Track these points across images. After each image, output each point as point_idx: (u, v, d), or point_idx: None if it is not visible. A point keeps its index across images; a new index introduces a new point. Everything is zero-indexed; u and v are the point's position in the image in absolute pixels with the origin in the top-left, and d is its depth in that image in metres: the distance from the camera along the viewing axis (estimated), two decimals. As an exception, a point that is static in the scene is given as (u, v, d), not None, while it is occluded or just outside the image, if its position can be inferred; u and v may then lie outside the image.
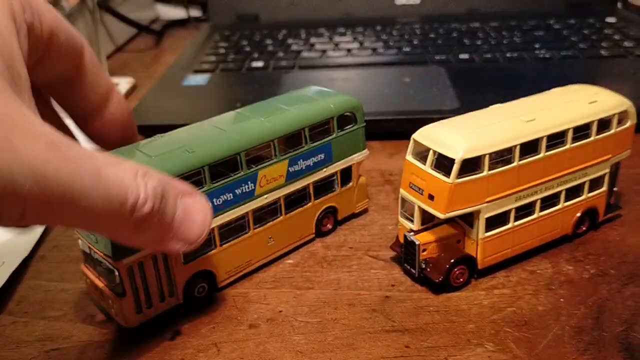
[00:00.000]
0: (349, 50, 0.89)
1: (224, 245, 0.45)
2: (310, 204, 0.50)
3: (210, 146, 0.43)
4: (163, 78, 0.84)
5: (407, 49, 0.88)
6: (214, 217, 0.43)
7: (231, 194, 0.44)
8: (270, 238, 0.48)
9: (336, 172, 0.50)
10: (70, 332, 0.42)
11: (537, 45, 0.86)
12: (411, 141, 0.44)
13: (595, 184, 0.48)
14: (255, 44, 0.95)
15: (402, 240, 0.46)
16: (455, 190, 0.41)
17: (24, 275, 0.49)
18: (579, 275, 0.45)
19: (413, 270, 0.45)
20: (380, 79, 0.78)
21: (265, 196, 0.46)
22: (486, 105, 0.66)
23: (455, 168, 0.40)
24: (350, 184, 0.52)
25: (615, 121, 0.47)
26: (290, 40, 0.95)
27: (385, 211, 0.55)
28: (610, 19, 0.98)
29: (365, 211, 0.55)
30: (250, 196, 0.46)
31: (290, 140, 0.47)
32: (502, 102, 0.47)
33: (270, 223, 0.48)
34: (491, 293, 0.44)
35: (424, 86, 0.75)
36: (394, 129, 0.67)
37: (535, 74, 0.78)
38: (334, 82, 0.79)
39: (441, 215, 0.42)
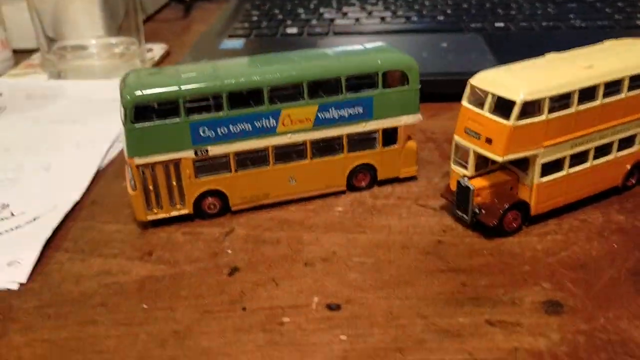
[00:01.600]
0: (382, 18, 0.89)
1: (239, 172, 0.47)
2: (342, 155, 0.50)
3: (235, 75, 0.45)
4: (198, 43, 0.84)
5: (441, 18, 0.88)
6: (231, 143, 0.46)
7: (249, 125, 0.46)
8: (292, 178, 0.48)
9: (378, 130, 0.50)
10: (129, 268, 0.43)
11: (571, 16, 0.86)
12: (467, 86, 0.44)
13: (646, 136, 0.48)
14: (287, 13, 0.95)
15: (453, 187, 0.47)
16: (514, 132, 0.41)
17: (77, 218, 0.49)
18: (631, 224, 0.45)
19: (465, 217, 0.45)
20: (418, 45, 0.78)
21: (288, 135, 0.47)
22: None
23: (516, 110, 0.40)
24: (395, 145, 0.51)
25: (669, 73, 0.47)
26: (322, 9, 0.95)
27: (430, 166, 0.55)
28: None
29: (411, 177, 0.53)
30: (271, 132, 0.47)
31: (326, 87, 0.47)
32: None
33: (294, 163, 0.48)
34: (544, 239, 0.44)
35: (462, 51, 0.74)
36: (434, 91, 0.67)
37: (573, 42, 0.78)
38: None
39: (499, 159, 0.42)
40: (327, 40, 0.81)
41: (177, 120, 0.44)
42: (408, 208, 0.49)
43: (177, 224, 0.48)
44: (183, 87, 0.44)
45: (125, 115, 0.43)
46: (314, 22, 0.89)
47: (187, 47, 0.89)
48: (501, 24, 0.83)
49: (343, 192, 0.51)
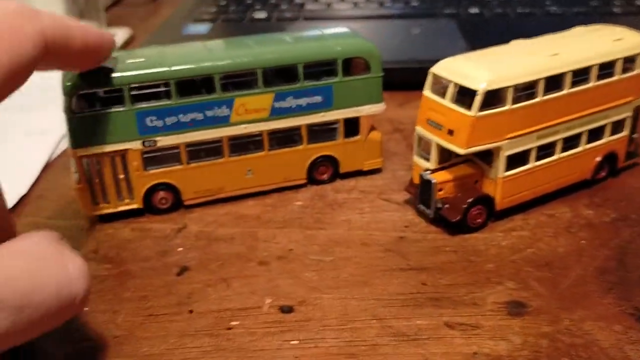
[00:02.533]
0: (355, 3, 0.86)
1: (191, 164, 0.45)
2: (301, 146, 0.47)
3: (183, 61, 0.42)
4: (162, 27, 0.81)
5: (415, 3, 0.86)
6: (181, 133, 0.43)
7: (201, 114, 0.44)
8: (250, 170, 0.46)
9: (338, 120, 0.47)
10: (71, 267, 0.40)
11: (547, 2, 0.84)
12: (429, 75, 0.42)
13: (616, 127, 0.46)
14: (257, -3, 0.92)
15: (416, 180, 0.45)
16: (477, 123, 0.39)
17: (21, 213, 0.46)
18: (599, 219, 0.44)
19: (428, 211, 0.43)
20: (389, 31, 0.75)
21: (243, 126, 0.45)
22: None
23: (478, 100, 0.38)
24: (358, 136, 0.48)
25: (639, 61, 0.45)
26: (293, -6, 0.92)
27: (396, 157, 0.53)
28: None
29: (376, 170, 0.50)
30: (224, 122, 0.44)
31: (283, 75, 0.45)
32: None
33: (250, 155, 0.46)
34: (509, 235, 0.42)
35: (433, 38, 0.72)
36: (403, 79, 0.65)
37: (548, 29, 0.76)
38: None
39: (461, 151, 0.40)
40: (297, 25, 0.78)
41: (122, 108, 0.42)
42: (371, 202, 0.47)
43: (127, 219, 0.45)
44: (128, 73, 0.41)
45: (67, 103, 0.40)
46: (283, 6, 0.86)
47: (150, 31, 0.86)
48: (476, 10, 0.81)
49: (304, 185, 0.49)
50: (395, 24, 0.78)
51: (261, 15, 0.82)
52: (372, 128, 0.49)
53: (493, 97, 0.39)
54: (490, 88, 0.38)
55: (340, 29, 0.49)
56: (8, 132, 0.58)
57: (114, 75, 0.41)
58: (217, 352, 0.33)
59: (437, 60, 0.66)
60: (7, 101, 0.64)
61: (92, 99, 0.41)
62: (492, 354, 0.33)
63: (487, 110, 0.39)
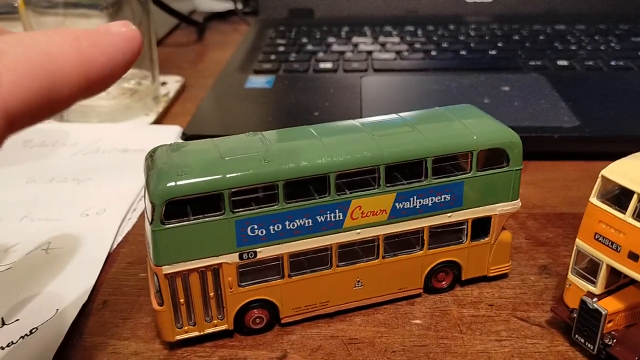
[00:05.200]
0: (426, 51, 0.79)
1: (293, 277, 0.37)
2: (421, 252, 0.39)
3: (292, 158, 0.34)
4: (220, 78, 0.73)
5: (493, 52, 0.78)
6: (285, 243, 0.36)
7: (310, 220, 0.36)
8: (359, 281, 0.38)
9: (466, 221, 0.40)
10: (155, 419, 0.32)
11: (640, 53, 0.76)
12: (599, 179, 0.34)
13: None
14: (316, 42, 0.85)
15: (568, 302, 0.37)
16: (673, 250, 0.31)
17: (84, 329, 0.39)
18: None
19: (590, 346, 0.35)
20: (475, 87, 0.68)
21: (357, 231, 0.37)
22: (611, 124, 0.57)
23: (678, 222, 0.30)
24: (487, 239, 0.41)
25: None
26: (356, 39, 0.85)
27: (519, 255, 0.45)
28: None
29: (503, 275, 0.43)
30: (336, 227, 0.37)
31: (406, 170, 0.37)
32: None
33: (361, 264, 0.38)
34: (694, 379, 0.34)
35: (528, 97, 0.64)
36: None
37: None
38: (419, 88, 0.69)
39: (650, 283, 0.32)
40: (368, 79, 0.71)
41: (220, 217, 0.34)
42: (506, 322, 0.38)
43: (212, 342, 0.37)
44: (229, 175, 0.33)
45: (154, 213, 0.33)
46: (348, 54, 0.79)
47: (205, 79, 0.79)
48: (564, 63, 0.73)
49: (419, 295, 0.41)
50: (478, 79, 0.70)
51: (327, 65, 0.75)
52: (502, 228, 0.41)
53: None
54: (693, 207, 0.30)
55: (466, 107, 0.41)
56: (62, 211, 0.51)
57: (214, 177, 0.33)
58: None
59: (542, 128, 0.58)
60: (62, 171, 0.57)
61: (184, 205, 0.34)
62: None
63: (684, 232, 0.31)
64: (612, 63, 0.73)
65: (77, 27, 0.26)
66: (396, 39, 0.84)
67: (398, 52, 0.79)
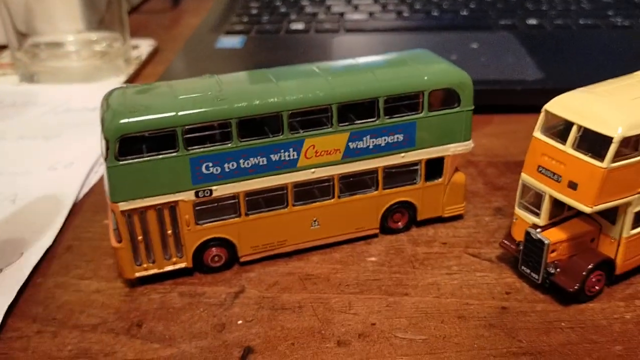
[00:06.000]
0: (399, 12, 0.79)
1: (250, 216, 0.38)
2: (376, 192, 0.40)
3: (246, 97, 0.35)
4: (191, 40, 0.74)
5: (465, 12, 0.78)
6: (240, 181, 0.36)
7: (265, 159, 0.37)
8: (315, 221, 0.40)
9: (420, 161, 0.40)
10: (113, 347, 0.33)
11: (610, 12, 0.77)
12: (542, 113, 0.35)
13: None
14: (290, 4, 0.84)
15: (516, 235, 0.38)
16: (609, 177, 0.32)
17: (47, 271, 0.40)
18: None
19: (535, 275, 0.36)
20: (444, 44, 0.68)
21: (312, 170, 0.38)
22: (573, 78, 0.57)
23: (613, 149, 0.31)
24: (440, 179, 0.42)
25: None
26: (329, 1, 0.85)
27: (476, 199, 0.46)
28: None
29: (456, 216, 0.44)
30: (291, 166, 0.38)
31: (359, 110, 0.38)
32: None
33: (317, 203, 0.39)
34: (632, 304, 0.35)
35: (496, 53, 0.65)
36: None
37: (617, 44, 0.69)
38: (389, 47, 0.69)
39: (587, 209, 0.33)
40: (339, 39, 0.71)
41: (174, 154, 0.35)
42: (457, 258, 0.40)
43: (172, 280, 0.38)
44: (181, 113, 0.34)
45: (109, 148, 0.33)
46: (321, 16, 0.79)
47: (178, 43, 0.79)
48: (534, 21, 0.74)
49: (375, 236, 0.42)
50: (448, 37, 0.70)
51: (299, 26, 0.75)
52: (455, 169, 0.42)
53: (626, 145, 0.32)
54: (627, 134, 0.31)
55: (421, 52, 0.42)
56: (30, 165, 0.51)
57: (166, 114, 0.34)
58: None
59: (508, 81, 0.59)
60: (32, 128, 0.58)
61: (138, 142, 0.34)
62: None
63: (620, 160, 0.32)
64: (581, 22, 0.74)
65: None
66: (369, 0, 0.84)
67: (370, 13, 0.79)
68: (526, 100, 0.59)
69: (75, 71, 0.68)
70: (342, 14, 0.79)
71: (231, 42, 0.71)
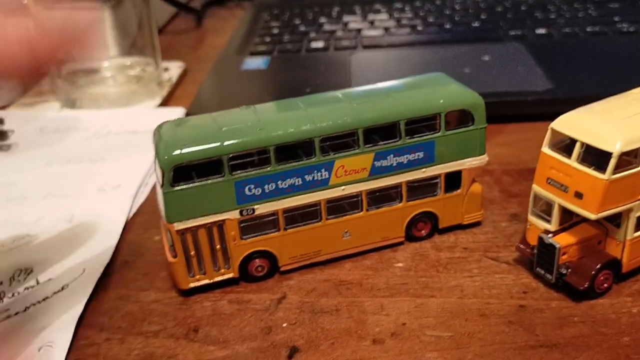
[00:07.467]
0: (413, 27, 0.83)
1: (289, 230, 0.42)
2: (400, 204, 0.45)
3: (282, 125, 0.40)
4: (218, 63, 0.78)
5: (476, 24, 0.82)
6: (279, 200, 0.41)
7: (300, 179, 0.41)
8: (347, 232, 0.44)
9: (439, 175, 0.45)
10: (175, 350, 0.38)
11: (616, 19, 0.80)
12: (549, 131, 0.39)
13: None
14: (309, 22, 0.89)
15: (530, 240, 0.42)
16: (610, 187, 0.36)
17: (109, 285, 0.44)
18: None
19: (549, 276, 0.40)
20: (456, 57, 0.72)
21: (342, 187, 0.42)
22: (580, 87, 0.60)
23: (612, 162, 0.35)
24: (458, 190, 0.46)
25: None
26: (346, 17, 0.89)
27: (493, 206, 0.50)
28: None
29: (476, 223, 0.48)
30: (323, 185, 0.42)
31: (383, 132, 0.42)
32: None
33: (348, 217, 0.44)
34: (639, 299, 0.39)
35: (506, 65, 0.69)
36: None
37: (623, 51, 0.72)
38: (405, 62, 0.73)
39: (592, 216, 0.37)
40: (357, 55, 0.75)
41: (220, 179, 0.39)
42: (478, 262, 0.44)
43: (221, 289, 0.43)
44: (226, 143, 0.39)
45: (164, 177, 0.38)
46: (339, 33, 0.84)
47: (204, 63, 0.84)
48: (542, 31, 0.78)
49: (401, 244, 0.46)
50: (461, 50, 0.74)
51: (318, 44, 0.80)
52: (473, 180, 0.46)
53: (626, 157, 0.36)
54: (625, 149, 0.35)
55: (436, 75, 0.46)
56: (81, 187, 0.56)
57: (213, 145, 0.38)
58: None
59: (517, 92, 0.63)
60: (78, 152, 0.62)
61: (189, 170, 0.39)
62: None
63: (620, 171, 0.36)
64: (588, 29, 0.77)
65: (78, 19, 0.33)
66: (384, 16, 0.89)
67: (386, 29, 0.83)
68: (537, 110, 0.63)
69: (113, 97, 0.73)
70: (359, 30, 0.84)
71: (256, 62, 0.76)
